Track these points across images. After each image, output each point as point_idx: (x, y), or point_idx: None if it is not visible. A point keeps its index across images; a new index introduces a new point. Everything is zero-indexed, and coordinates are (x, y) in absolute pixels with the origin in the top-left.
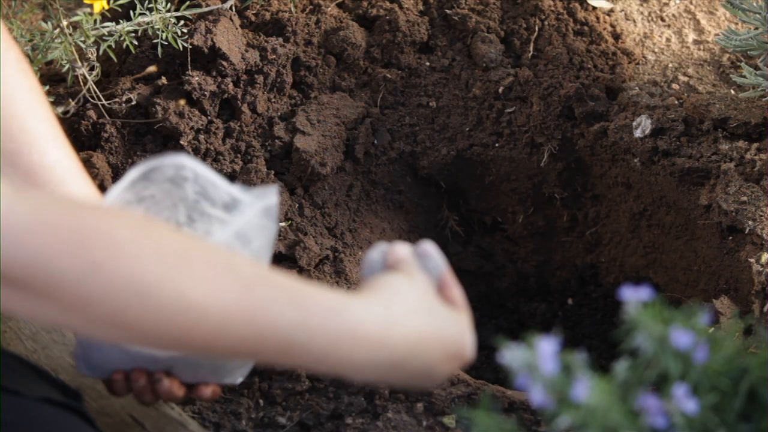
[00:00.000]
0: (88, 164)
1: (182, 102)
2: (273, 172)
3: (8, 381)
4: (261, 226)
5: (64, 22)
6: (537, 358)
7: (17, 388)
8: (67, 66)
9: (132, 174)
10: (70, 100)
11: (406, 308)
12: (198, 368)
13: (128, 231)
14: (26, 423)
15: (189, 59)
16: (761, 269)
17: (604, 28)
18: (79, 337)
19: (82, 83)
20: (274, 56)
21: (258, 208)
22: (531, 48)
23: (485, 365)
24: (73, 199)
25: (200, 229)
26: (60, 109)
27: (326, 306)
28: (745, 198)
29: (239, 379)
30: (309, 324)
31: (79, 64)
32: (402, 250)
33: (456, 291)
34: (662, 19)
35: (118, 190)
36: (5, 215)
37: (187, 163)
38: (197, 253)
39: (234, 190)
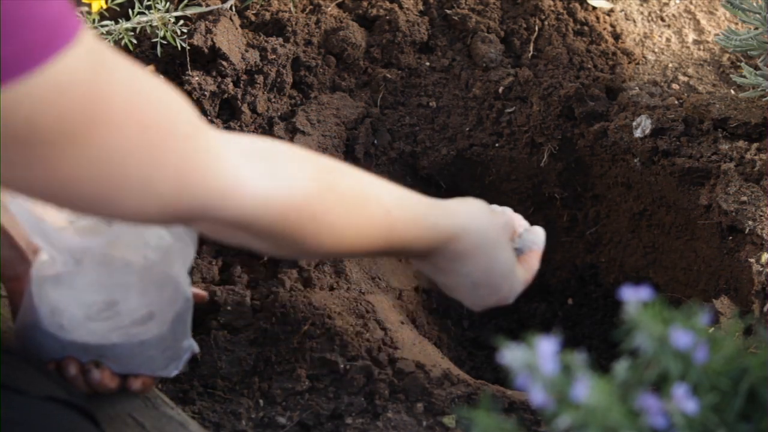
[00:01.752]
0: None
1: None
2: None
3: (13, 379)
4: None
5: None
6: (537, 358)
7: (22, 387)
8: None
9: None
10: None
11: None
12: (129, 358)
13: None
14: (31, 421)
15: (189, 59)
16: (761, 269)
17: (604, 28)
18: (17, 326)
19: None
20: (274, 56)
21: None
22: (531, 48)
23: (485, 365)
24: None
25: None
26: None
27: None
28: (745, 198)
29: (173, 372)
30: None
31: None
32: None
33: (534, 263)
34: (662, 19)
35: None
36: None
37: None
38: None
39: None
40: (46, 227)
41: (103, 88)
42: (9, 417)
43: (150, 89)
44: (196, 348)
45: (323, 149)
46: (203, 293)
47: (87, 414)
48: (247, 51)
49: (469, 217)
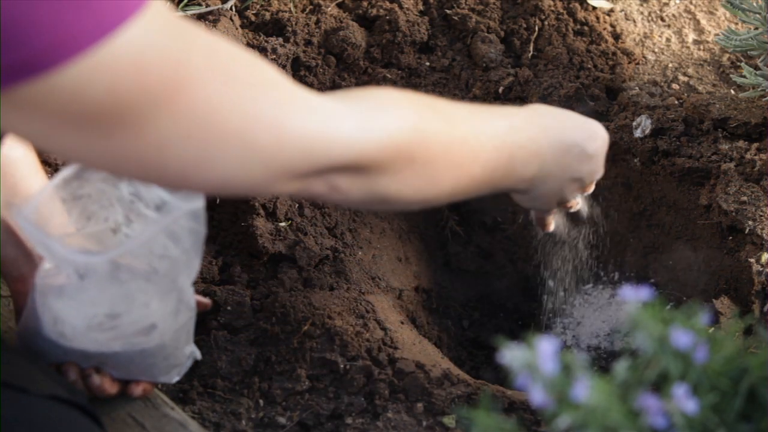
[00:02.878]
0: None
1: None
2: None
3: (15, 378)
4: (189, 228)
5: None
6: (537, 358)
7: (24, 386)
8: None
9: (64, 172)
10: None
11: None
12: (130, 365)
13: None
14: (33, 420)
15: None
16: (761, 269)
17: (604, 28)
18: (19, 328)
19: None
20: (274, 56)
21: (186, 209)
22: (531, 48)
23: (485, 365)
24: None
25: (137, 229)
26: None
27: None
28: (745, 198)
29: (175, 378)
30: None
31: None
32: None
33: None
34: (662, 19)
35: (50, 187)
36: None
37: None
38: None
39: (163, 192)
40: (50, 242)
41: (181, 49)
42: (12, 415)
43: (230, 49)
44: (198, 354)
45: None
46: (206, 301)
47: (89, 413)
48: None
49: (546, 161)
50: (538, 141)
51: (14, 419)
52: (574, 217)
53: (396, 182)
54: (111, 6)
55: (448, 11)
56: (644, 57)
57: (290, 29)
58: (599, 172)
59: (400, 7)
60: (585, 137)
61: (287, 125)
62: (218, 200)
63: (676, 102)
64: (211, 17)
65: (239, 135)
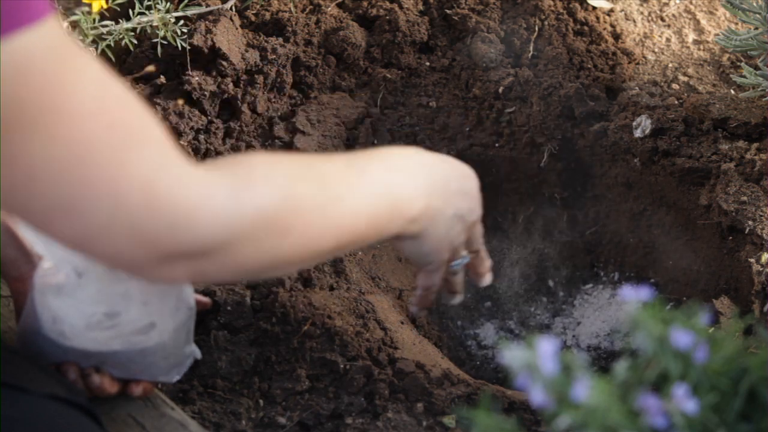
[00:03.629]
0: None
1: (182, 102)
2: None
3: (14, 377)
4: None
5: (63, 22)
6: (537, 358)
7: (23, 385)
8: None
9: None
10: None
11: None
12: (130, 364)
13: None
14: (33, 419)
15: (189, 59)
16: (761, 269)
17: (604, 28)
18: (19, 328)
19: None
20: (274, 56)
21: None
22: (531, 48)
23: (485, 365)
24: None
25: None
26: None
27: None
28: (745, 198)
29: (175, 377)
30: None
31: None
32: None
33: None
34: (662, 19)
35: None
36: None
37: None
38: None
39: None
40: (49, 241)
41: (68, 76)
42: (11, 415)
43: (120, 92)
44: (198, 354)
45: (323, 149)
46: (206, 300)
47: (89, 412)
48: (247, 51)
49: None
50: (417, 177)
51: (14, 419)
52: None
53: (274, 251)
54: (10, 6)
55: (448, 11)
56: (644, 57)
57: (290, 29)
58: (477, 211)
59: (400, 7)
60: (458, 174)
61: (160, 191)
62: None
63: (676, 102)
64: (211, 17)
65: (111, 187)
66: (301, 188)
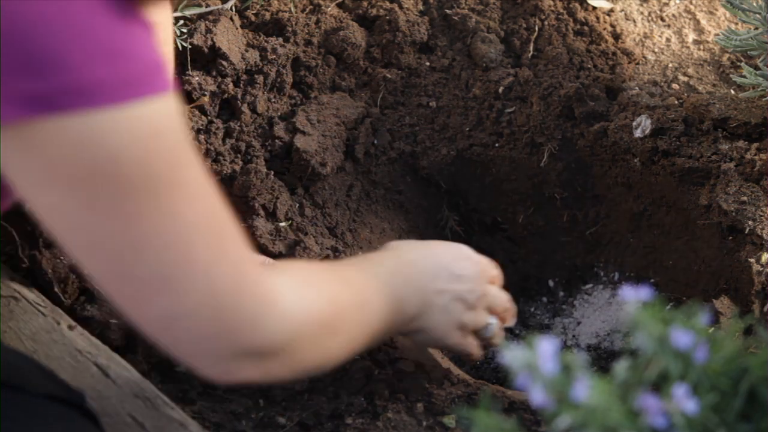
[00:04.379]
0: None
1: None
2: (273, 172)
3: (13, 377)
4: None
5: None
6: (537, 358)
7: (22, 385)
8: None
9: None
10: None
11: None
12: None
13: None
14: (31, 419)
15: (189, 59)
16: (761, 269)
17: (604, 28)
18: None
19: None
20: (274, 56)
21: None
22: (531, 48)
23: (485, 365)
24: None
25: None
26: None
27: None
28: (745, 198)
29: None
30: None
31: None
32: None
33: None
34: (662, 19)
35: None
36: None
37: None
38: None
39: None
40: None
41: (187, 155)
42: (10, 414)
43: (215, 192)
44: None
45: (323, 149)
46: None
47: (87, 413)
48: (247, 51)
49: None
50: (411, 277)
51: (12, 418)
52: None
53: (326, 350)
54: (143, 71)
55: (448, 11)
56: (644, 57)
57: (290, 29)
58: (477, 289)
59: (400, 7)
60: (450, 259)
61: (246, 284)
62: None
63: (676, 102)
64: (211, 17)
65: (209, 270)
66: (341, 294)
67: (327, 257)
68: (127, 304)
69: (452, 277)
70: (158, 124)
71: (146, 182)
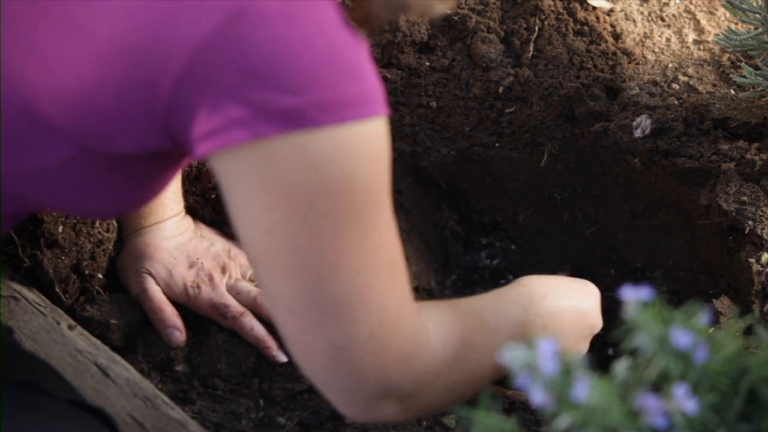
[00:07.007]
0: None
1: None
2: None
3: (41, 382)
4: None
5: None
6: (537, 358)
7: (46, 388)
8: None
9: None
10: None
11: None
12: None
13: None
14: (55, 421)
15: None
16: (761, 269)
17: (604, 28)
18: None
19: None
20: None
21: None
22: (531, 48)
23: None
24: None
25: None
26: None
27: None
28: (745, 198)
29: None
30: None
31: None
32: None
33: None
34: (662, 19)
35: None
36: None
37: None
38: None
39: None
40: None
41: (388, 180)
42: (35, 417)
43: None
44: None
45: None
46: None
47: (105, 418)
48: None
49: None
50: (542, 316)
51: (37, 420)
52: None
53: (457, 388)
54: (375, 90)
55: (448, 11)
56: (644, 57)
57: None
58: (598, 325)
59: None
60: (579, 298)
61: (404, 320)
62: (219, 200)
63: (676, 102)
64: None
65: (382, 303)
66: (470, 329)
67: None
68: (302, 330)
69: (580, 315)
70: (381, 143)
71: (365, 204)
